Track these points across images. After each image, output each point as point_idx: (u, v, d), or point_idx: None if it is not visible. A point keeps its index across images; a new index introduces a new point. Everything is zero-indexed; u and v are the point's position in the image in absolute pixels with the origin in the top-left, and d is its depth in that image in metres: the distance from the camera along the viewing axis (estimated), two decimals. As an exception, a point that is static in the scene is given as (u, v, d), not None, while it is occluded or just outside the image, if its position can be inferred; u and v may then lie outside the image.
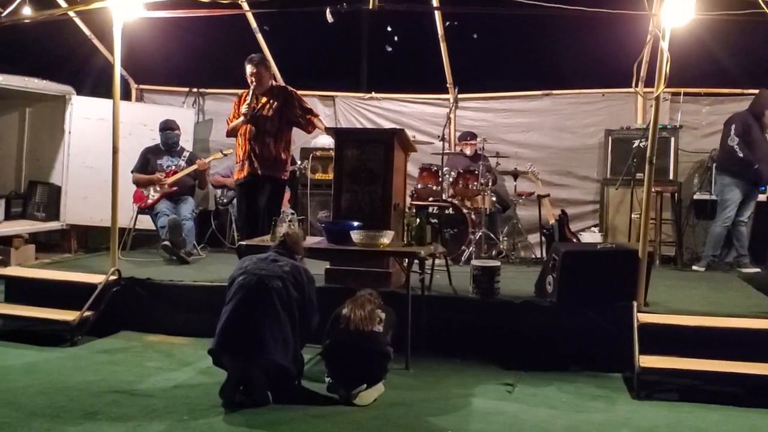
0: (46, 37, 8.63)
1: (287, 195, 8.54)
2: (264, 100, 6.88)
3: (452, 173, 8.40)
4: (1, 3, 6.82)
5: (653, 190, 6.26)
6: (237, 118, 6.92)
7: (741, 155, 7.64)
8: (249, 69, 6.82)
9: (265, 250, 5.09)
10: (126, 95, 9.92)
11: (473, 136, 8.93)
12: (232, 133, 7.03)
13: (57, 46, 9.15)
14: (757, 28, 6.32)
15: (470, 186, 8.30)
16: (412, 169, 8.47)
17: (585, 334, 5.60)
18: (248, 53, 6.95)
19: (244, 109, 6.80)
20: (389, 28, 8.95)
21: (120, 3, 6.39)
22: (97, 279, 6.39)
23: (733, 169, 7.78)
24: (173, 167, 8.17)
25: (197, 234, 8.25)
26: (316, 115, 7.03)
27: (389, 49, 9.15)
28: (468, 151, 8.92)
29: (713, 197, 8.34)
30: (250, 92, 6.85)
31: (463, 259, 7.86)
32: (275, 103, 6.87)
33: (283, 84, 7.04)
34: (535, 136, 9.45)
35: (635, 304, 5.45)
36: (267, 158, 6.82)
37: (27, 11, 6.83)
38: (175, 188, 8.07)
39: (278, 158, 6.87)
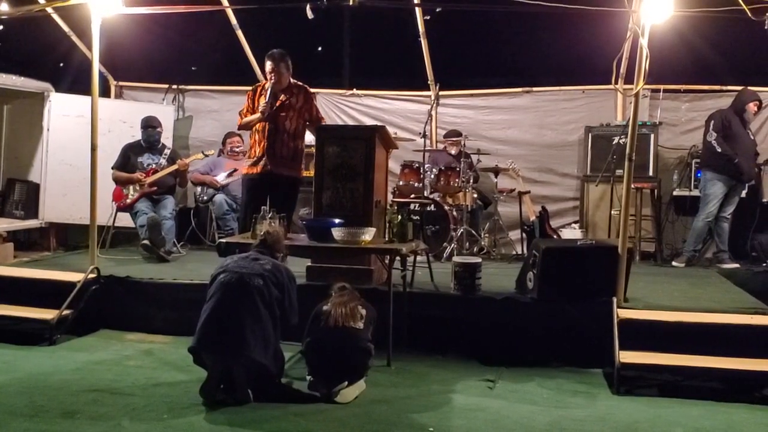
0: (23, 34, 8.56)
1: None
2: (283, 97, 6.73)
3: (434, 170, 8.41)
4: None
5: (633, 186, 6.29)
6: (251, 113, 6.78)
7: (719, 150, 7.71)
8: (269, 65, 6.67)
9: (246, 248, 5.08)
10: (105, 92, 9.87)
11: (458, 134, 8.91)
12: (246, 127, 6.92)
13: (35, 42, 9.08)
14: (736, 24, 6.36)
15: (452, 183, 8.31)
16: (394, 166, 8.47)
17: (565, 330, 5.63)
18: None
19: (262, 106, 6.62)
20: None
21: (98, -1, 6.35)
22: (76, 277, 6.34)
23: (714, 164, 7.84)
24: (154, 165, 8.11)
25: (177, 232, 8.20)
26: (322, 122, 7.02)
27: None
28: (453, 151, 8.91)
29: (693, 193, 8.41)
30: (268, 88, 6.65)
31: (444, 255, 7.88)
32: (294, 102, 6.76)
33: (301, 83, 6.90)
34: (516, 133, 9.46)
35: (615, 300, 5.47)
36: (285, 157, 6.74)
37: (4, 7, 6.79)
38: (154, 188, 8.02)
39: (296, 157, 6.83)
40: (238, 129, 7.15)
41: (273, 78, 6.66)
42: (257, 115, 6.68)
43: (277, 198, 6.70)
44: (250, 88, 6.95)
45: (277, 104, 6.69)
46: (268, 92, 6.64)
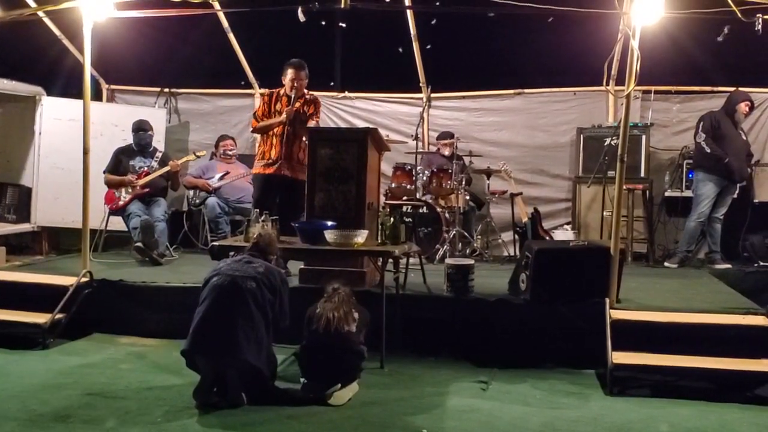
0: (15, 38, 8.52)
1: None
2: (297, 104, 6.94)
3: (426, 172, 8.41)
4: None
5: (625, 187, 6.30)
6: (268, 117, 6.98)
7: (708, 150, 7.73)
8: (291, 73, 6.92)
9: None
10: (97, 96, 9.84)
11: (451, 135, 8.92)
12: (263, 130, 7.07)
13: (26, 46, 9.04)
14: (727, 25, 6.37)
15: (444, 185, 8.31)
16: (386, 168, 8.47)
17: (558, 331, 5.65)
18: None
19: (287, 110, 6.83)
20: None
21: (90, 3, 6.34)
22: (68, 281, 6.33)
23: (705, 164, 7.86)
24: (145, 168, 8.09)
25: (170, 235, 8.19)
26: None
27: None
28: (446, 152, 8.91)
29: (684, 194, 8.44)
30: (292, 95, 6.90)
31: (437, 257, 7.87)
32: (307, 110, 6.99)
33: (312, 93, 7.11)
34: (508, 135, 9.47)
35: (607, 300, 5.48)
36: (300, 162, 6.94)
37: (-5, 11, 6.76)
38: (147, 190, 8.00)
39: (305, 162, 6.91)
40: (253, 131, 7.29)
41: (296, 85, 6.90)
42: (280, 118, 6.90)
43: (288, 200, 6.80)
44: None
45: (293, 109, 6.87)
46: (293, 98, 6.88)
